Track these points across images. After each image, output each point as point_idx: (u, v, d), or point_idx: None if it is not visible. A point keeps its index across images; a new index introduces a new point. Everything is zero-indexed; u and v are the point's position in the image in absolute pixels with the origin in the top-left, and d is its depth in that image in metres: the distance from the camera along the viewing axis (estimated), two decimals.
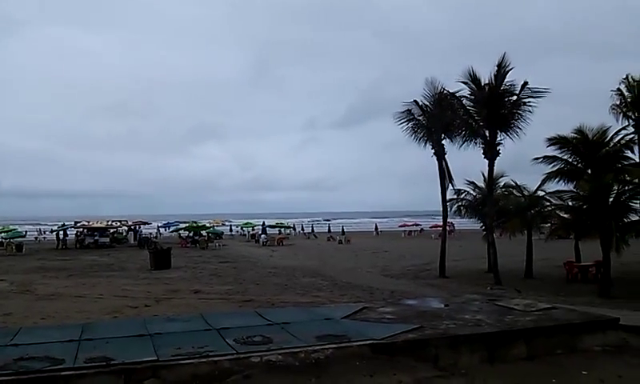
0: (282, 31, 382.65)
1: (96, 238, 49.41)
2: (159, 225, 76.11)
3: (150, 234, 62.85)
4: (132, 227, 59.77)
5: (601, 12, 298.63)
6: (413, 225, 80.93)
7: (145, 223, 66.65)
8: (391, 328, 8.74)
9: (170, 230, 68.67)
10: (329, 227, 76.16)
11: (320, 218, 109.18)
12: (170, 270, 26.88)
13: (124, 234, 56.76)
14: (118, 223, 57.94)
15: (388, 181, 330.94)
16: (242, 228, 77.97)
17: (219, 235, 58.70)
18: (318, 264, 32.18)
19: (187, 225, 59.74)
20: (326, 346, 7.55)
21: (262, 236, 57.12)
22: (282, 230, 68.22)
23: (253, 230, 70.99)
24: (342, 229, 68.54)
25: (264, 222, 69.19)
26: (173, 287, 19.75)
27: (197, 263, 31.32)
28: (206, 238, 51.31)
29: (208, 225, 62.15)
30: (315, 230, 76.55)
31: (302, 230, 77.99)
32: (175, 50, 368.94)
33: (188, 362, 6.84)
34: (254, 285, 20.68)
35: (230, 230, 77.29)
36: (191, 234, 54.07)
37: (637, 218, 22.45)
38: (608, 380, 7.67)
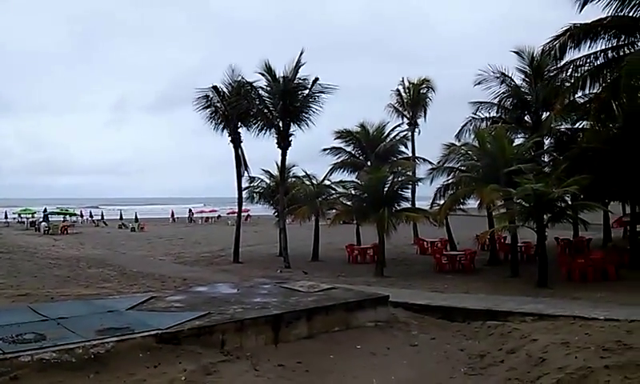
0: (101, 3, 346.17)
1: None
2: None
3: None
4: None
5: (398, 22, 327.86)
6: (210, 211, 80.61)
7: None
8: (179, 316, 8.77)
9: None
10: (120, 214, 71.94)
11: (120, 205, 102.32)
12: None
13: None
14: None
15: (194, 167, 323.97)
16: (19, 215, 69.95)
17: None
18: (106, 253, 30.43)
19: None
20: (107, 340, 7.29)
21: (43, 223, 51.94)
22: (68, 217, 62.77)
23: (32, 217, 64.13)
24: (136, 215, 65.36)
25: (45, 209, 62.96)
26: None
27: None
28: None
29: None
30: (106, 216, 71.82)
31: (91, 217, 72.57)
32: None
33: None
34: (31, 277, 18.85)
35: (6, 217, 68.78)
36: None
37: (408, 205, 25.41)
38: (378, 352, 8.66)
